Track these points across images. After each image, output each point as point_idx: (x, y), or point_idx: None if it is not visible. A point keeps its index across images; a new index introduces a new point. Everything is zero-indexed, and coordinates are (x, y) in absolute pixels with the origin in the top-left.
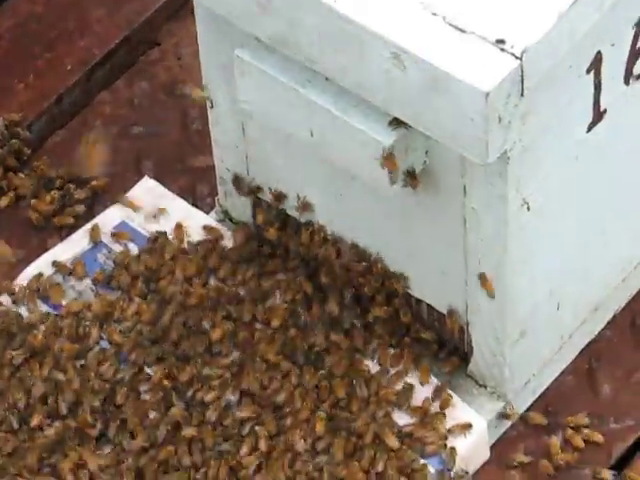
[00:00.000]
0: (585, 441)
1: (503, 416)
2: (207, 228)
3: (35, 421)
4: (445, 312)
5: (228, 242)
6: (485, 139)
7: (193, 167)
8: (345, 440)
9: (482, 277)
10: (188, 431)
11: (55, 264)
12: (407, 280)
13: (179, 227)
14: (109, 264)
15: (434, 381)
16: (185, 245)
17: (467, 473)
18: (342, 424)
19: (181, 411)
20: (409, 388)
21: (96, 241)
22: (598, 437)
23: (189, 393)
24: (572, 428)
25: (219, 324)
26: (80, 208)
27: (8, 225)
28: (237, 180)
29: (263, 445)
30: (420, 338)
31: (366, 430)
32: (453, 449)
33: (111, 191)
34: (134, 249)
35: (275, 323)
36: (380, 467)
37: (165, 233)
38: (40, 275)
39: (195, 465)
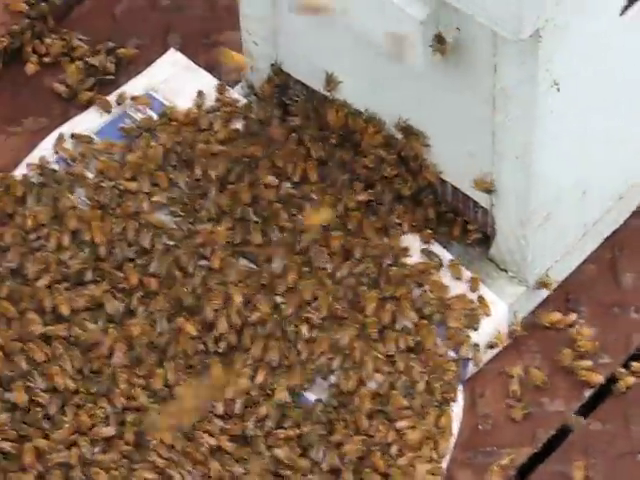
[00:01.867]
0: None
1: (541, 284)
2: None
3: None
4: (470, 194)
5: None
6: (519, 14)
7: (220, 42)
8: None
9: None
10: None
11: (74, 136)
12: (429, 145)
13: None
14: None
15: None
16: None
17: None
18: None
19: None
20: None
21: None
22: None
23: None
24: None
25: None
26: (104, 78)
27: (33, 94)
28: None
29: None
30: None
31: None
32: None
33: (137, 62)
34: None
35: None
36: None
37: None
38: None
39: None
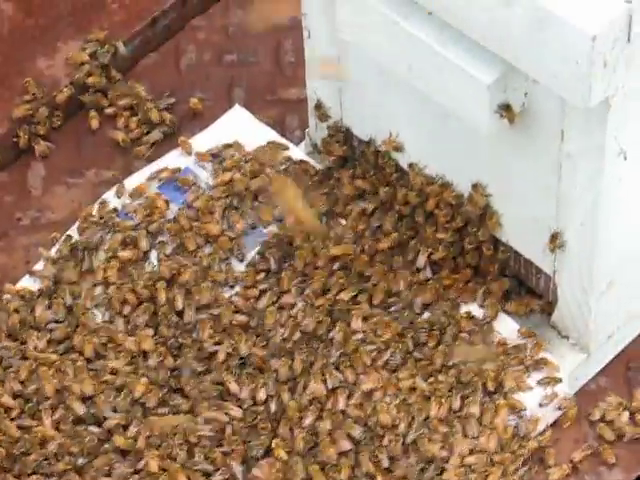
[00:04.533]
0: None
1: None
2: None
3: None
4: (533, 260)
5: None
6: (588, 83)
7: (284, 99)
8: None
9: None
10: None
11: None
12: (500, 219)
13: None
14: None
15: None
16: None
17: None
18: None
19: None
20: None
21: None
22: None
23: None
24: None
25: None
26: (167, 132)
27: (96, 145)
28: (319, 107)
29: None
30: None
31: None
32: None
33: (201, 117)
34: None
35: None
36: None
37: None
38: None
39: None
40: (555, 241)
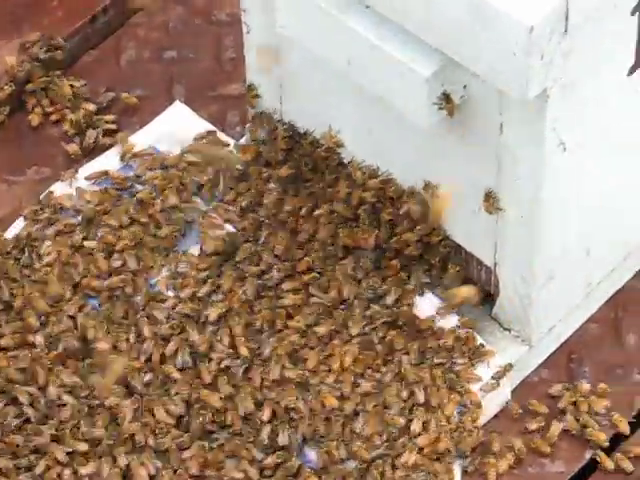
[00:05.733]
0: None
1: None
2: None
3: None
4: (474, 252)
5: None
6: (526, 75)
7: (224, 95)
8: None
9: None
10: None
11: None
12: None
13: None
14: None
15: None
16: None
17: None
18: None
19: None
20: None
21: (125, 160)
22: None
23: None
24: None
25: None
26: (107, 129)
27: (37, 143)
28: (251, 89)
29: None
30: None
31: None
32: None
33: (141, 114)
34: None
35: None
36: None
37: None
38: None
39: None
40: (490, 199)
